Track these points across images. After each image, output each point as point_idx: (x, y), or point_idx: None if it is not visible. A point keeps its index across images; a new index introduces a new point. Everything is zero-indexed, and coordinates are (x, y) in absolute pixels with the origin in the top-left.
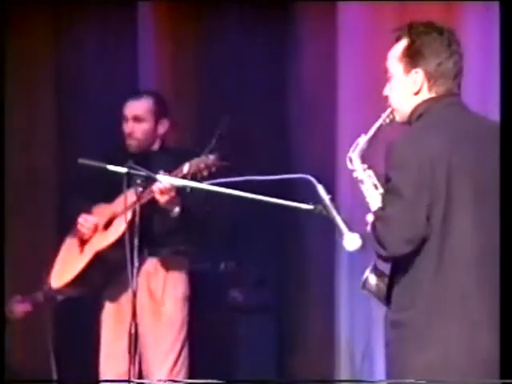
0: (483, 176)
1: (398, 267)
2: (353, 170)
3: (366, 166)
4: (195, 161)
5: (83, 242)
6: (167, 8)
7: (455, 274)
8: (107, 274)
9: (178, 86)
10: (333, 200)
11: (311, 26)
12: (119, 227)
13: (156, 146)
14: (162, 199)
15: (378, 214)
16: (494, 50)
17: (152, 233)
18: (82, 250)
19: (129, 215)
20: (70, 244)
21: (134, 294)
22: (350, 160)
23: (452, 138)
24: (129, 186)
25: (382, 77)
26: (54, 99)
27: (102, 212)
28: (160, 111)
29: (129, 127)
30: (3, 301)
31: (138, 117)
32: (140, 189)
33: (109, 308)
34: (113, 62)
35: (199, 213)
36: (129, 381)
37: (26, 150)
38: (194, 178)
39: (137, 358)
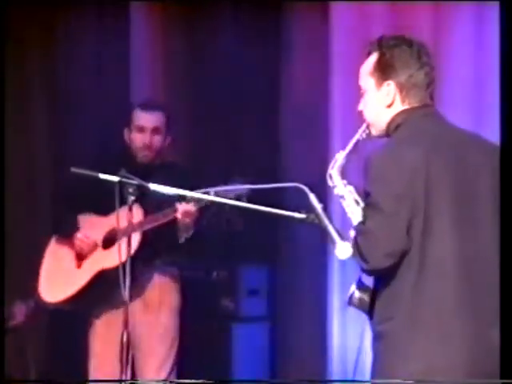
0: (462, 186)
1: (380, 280)
2: (334, 187)
3: (345, 181)
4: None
5: (80, 257)
6: (159, 9)
7: (434, 285)
8: (107, 292)
9: (169, 87)
10: (325, 209)
11: (304, 26)
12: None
13: (158, 159)
14: (184, 221)
15: (358, 229)
16: (493, 51)
17: (147, 245)
18: (79, 265)
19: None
20: (59, 254)
21: (127, 304)
22: (330, 177)
23: (430, 149)
24: (121, 195)
25: None
26: (49, 100)
27: (95, 225)
28: (169, 123)
29: (147, 138)
30: (3, 302)
31: (158, 128)
32: (132, 198)
33: (100, 318)
34: (106, 63)
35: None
36: (121, 380)
37: (23, 150)
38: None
39: (129, 367)
